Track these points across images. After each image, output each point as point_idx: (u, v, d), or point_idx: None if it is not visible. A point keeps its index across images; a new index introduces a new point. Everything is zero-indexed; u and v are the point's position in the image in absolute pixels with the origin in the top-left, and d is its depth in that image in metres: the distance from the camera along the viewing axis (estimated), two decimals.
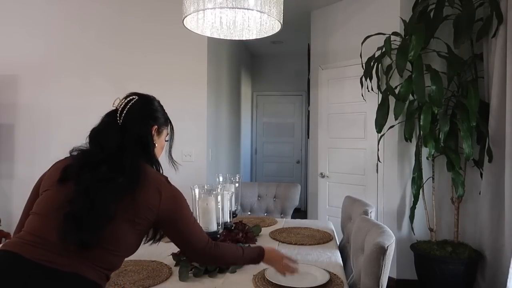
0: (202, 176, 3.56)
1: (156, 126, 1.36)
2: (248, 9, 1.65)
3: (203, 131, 3.58)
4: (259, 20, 1.88)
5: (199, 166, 3.56)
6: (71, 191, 1.12)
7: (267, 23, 1.90)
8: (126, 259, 1.57)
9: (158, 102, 1.46)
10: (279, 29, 1.89)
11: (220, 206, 1.73)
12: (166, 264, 1.66)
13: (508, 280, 2.47)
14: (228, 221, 1.97)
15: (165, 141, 1.46)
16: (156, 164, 1.34)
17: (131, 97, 1.32)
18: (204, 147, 3.58)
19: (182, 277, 1.51)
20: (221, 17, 1.86)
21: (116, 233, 1.13)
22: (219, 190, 1.74)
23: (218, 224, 1.69)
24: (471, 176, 3.14)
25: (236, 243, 1.82)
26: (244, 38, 2.04)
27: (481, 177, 2.98)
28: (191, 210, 1.34)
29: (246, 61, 6.20)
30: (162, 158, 1.43)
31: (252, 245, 1.54)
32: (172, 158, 1.47)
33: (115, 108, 1.29)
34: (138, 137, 1.27)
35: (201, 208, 1.68)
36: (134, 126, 1.27)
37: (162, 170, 1.35)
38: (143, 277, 1.51)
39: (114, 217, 1.11)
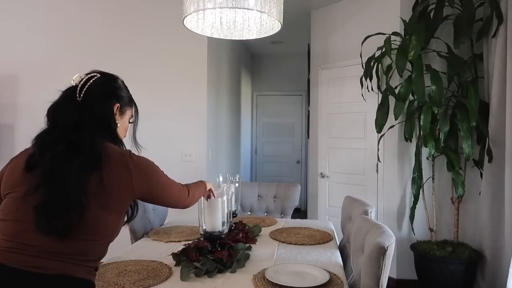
0: (202, 176, 3.55)
1: (118, 105, 1.28)
2: (248, 9, 1.65)
3: (203, 131, 3.58)
4: (259, 20, 1.88)
5: (199, 166, 3.56)
6: (37, 178, 1.07)
7: (267, 23, 1.90)
8: (125, 259, 1.57)
9: (122, 81, 1.36)
10: (279, 29, 1.89)
11: (226, 206, 1.73)
12: (166, 264, 1.66)
13: (508, 280, 2.47)
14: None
15: (129, 122, 1.40)
16: (120, 144, 1.27)
17: (92, 74, 1.25)
18: (204, 147, 3.58)
19: (184, 277, 1.51)
20: (221, 17, 1.86)
21: (92, 221, 1.08)
22: (224, 190, 1.73)
23: (223, 223, 1.69)
24: (471, 176, 3.14)
25: (236, 243, 1.82)
26: (244, 38, 2.04)
27: (481, 177, 2.98)
28: (165, 175, 1.31)
29: (246, 61, 6.20)
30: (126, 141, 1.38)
31: (196, 182, 1.71)
32: (136, 141, 1.41)
33: (74, 84, 1.22)
34: (99, 115, 1.20)
35: (207, 207, 1.67)
36: (94, 104, 1.20)
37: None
38: (143, 277, 1.51)
39: (85, 203, 1.05)
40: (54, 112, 1.20)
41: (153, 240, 2.09)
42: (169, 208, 2.67)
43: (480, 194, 2.99)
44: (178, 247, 1.81)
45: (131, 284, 1.44)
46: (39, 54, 3.67)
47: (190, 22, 1.87)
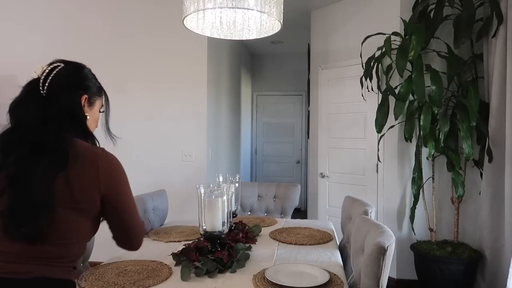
0: (202, 176, 3.56)
1: (86, 96, 1.19)
2: (248, 9, 1.65)
3: (203, 131, 3.58)
4: (259, 20, 1.88)
5: (199, 166, 3.56)
6: (1, 182, 0.99)
7: (267, 23, 1.90)
8: (125, 259, 1.57)
9: (89, 70, 1.28)
10: (279, 29, 1.89)
11: (226, 205, 1.73)
12: (166, 264, 1.66)
13: (508, 280, 2.47)
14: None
15: (100, 112, 1.30)
16: (91, 138, 1.19)
17: (56, 64, 1.16)
18: (204, 147, 3.58)
19: (184, 277, 1.51)
20: (221, 17, 1.86)
21: (63, 225, 1.02)
22: (224, 190, 1.73)
23: (223, 223, 1.69)
24: (471, 176, 3.14)
25: (236, 243, 1.82)
26: (244, 38, 2.04)
27: (481, 177, 2.98)
28: (131, 192, 1.18)
29: (246, 61, 6.20)
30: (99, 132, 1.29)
31: None
32: (109, 131, 1.31)
33: (37, 77, 1.13)
34: (65, 109, 1.11)
35: (207, 207, 1.67)
36: (59, 97, 1.10)
37: (98, 143, 1.21)
38: (143, 277, 1.51)
39: (53, 207, 0.99)
40: (17, 109, 1.10)
41: (153, 240, 2.09)
42: (169, 208, 2.68)
43: (480, 194, 2.99)
44: (178, 247, 1.81)
45: (131, 284, 1.44)
46: (39, 54, 3.66)
47: (190, 22, 1.87)
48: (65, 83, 1.14)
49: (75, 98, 1.16)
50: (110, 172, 1.09)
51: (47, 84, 1.11)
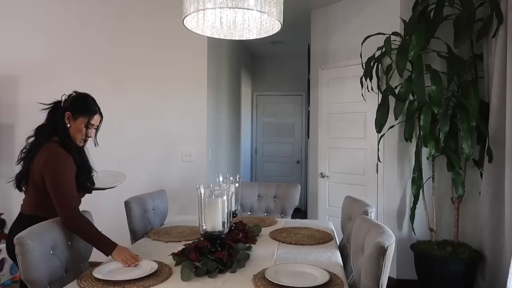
0: (202, 176, 3.56)
1: (69, 113, 1.84)
2: (248, 9, 1.65)
3: (203, 131, 3.58)
4: (259, 20, 1.88)
5: (199, 166, 3.56)
6: None
7: (267, 23, 1.90)
8: None
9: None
10: (279, 29, 1.89)
11: (226, 205, 1.73)
12: (166, 264, 1.66)
13: (508, 280, 2.46)
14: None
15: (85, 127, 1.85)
16: (67, 141, 1.82)
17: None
18: (204, 147, 3.58)
19: (184, 277, 1.51)
20: (221, 17, 1.86)
21: (33, 188, 1.79)
22: (224, 190, 1.73)
23: (223, 223, 1.69)
24: (471, 176, 3.14)
25: (236, 243, 1.82)
26: (244, 38, 2.04)
27: (481, 177, 2.98)
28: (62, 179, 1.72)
29: (246, 61, 6.20)
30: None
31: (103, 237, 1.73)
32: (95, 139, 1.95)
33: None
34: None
35: (207, 207, 1.67)
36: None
37: (71, 144, 1.82)
38: (143, 277, 1.51)
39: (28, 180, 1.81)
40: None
41: (153, 240, 2.09)
42: (169, 208, 2.68)
43: (480, 194, 2.99)
44: (178, 247, 1.81)
45: (131, 284, 1.44)
46: (39, 54, 3.67)
47: (190, 22, 1.87)
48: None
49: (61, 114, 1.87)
50: (46, 166, 1.72)
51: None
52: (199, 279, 1.52)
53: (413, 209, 3.12)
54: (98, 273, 1.51)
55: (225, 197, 1.71)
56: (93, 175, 1.95)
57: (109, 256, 1.67)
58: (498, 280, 2.75)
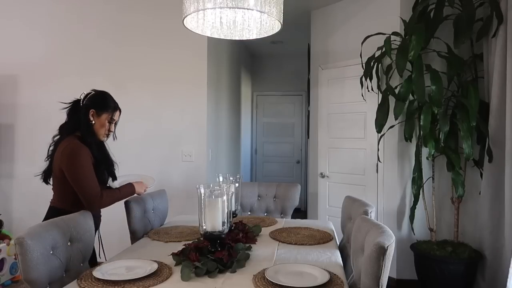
0: (202, 176, 3.56)
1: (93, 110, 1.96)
2: (248, 9, 1.65)
3: (203, 131, 3.58)
4: (259, 20, 1.88)
5: (199, 166, 3.56)
6: None
7: (267, 23, 1.90)
8: (125, 259, 1.57)
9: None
10: (279, 29, 1.89)
11: (226, 205, 1.73)
12: (166, 264, 1.66)
13: (508, 280, 2.47)
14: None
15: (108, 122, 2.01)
16: (88, 136, 1.94)
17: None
18: (204, 147, 3.58)
19: (184, 277, 1.51)
20: (221, 17, 1.86)
21: (55, 180, 1.94)
22: (224, 190, 1.73)
23: (223, 223, 1.69)
24: (471, 176, 3.14)
25: (236, 243, 1.82)
26: (244, 38, 2.04)
27: (481, 177, 2.98)
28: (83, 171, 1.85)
29: (246, 61, 6.20)
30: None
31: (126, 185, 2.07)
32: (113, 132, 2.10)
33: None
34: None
35: (207, 207, 1.67)
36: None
37: (91, 138, 1.95)
38: (143, 277, 1.51)
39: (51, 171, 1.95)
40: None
41: (153, 240, 2.09)
42: (169, 208, 2.68)
43: (480, 194, 2.99)
44: (178, 247, 1.81)
45: (131, 284, 1.44)
46: (39, 54, 3.67)
47: (190, 22, 1.87)
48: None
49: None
50: (65, 159, 1.85)
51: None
52: (199, 279, 1.52)
53: (413, 209, 3.12)
54: (98, 273, 1.51)
55: (225, 197, 1.71)
56: (114, 169, 2.11)
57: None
58: (498, 280, 2.76)
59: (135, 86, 3.58)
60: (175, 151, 3.58)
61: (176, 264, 1.65)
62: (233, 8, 1.70)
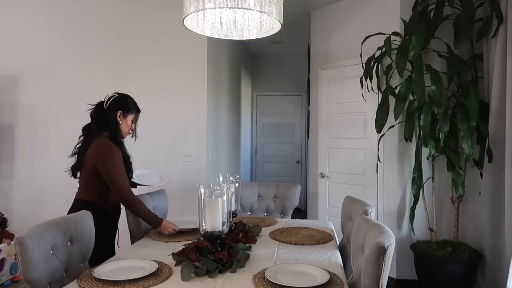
0: (202, 176, 3.56)
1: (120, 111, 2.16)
2: (248, 9, 1.65)
3: (203, 131, 3.58)
4: (259, 20, 1.88)
5: (199, 166, 3.56)
6: None
7: (267, 23, 1.90)
8: (126, 259, 1.57)
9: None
10: (279, 29, 1.89)
11: (226, 205, 1.73)
12: (166, 264, 1.66)
13: (508, 280, 2.47)
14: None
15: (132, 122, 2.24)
16: (117, 135, 2.16)
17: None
18: (204, 147, 3.58)
19: (184, 277, 1.51)
20: (221, 17, 1.86)
21: (85, 175, 2.09)
22: (224, 190, 1.73)
23: (223, 223, 1.69)
24: (471, 176, 3.14)
25: (236, 243, 1.82)
26: (244, 38, 2.04)
27: (481, 177, 2.98)
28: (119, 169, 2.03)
29: (246, 61, 6.20)
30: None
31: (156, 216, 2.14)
32: (135, 132, 2.33)
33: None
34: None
35: (207, 207, 1.67)
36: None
37: (120, 138, 2.17)
38: (143, 277, 1.51)
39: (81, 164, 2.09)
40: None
41: (153, 240, 2.09)
42: (169, 208, 2.68)
43: (480, 194, 2.99)
44: (178, 247, 1.81)
45: (131, 284, 1.44)
46: (39, 54, 3.67)
47: (190, 22, 1.87)
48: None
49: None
50: (98, 157, 2.03)
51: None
52: (199, 279, 1.52)
53: (413, 209, 3.12)
54: (98, 273, 1.51)
55: (225, 197, 1.71)
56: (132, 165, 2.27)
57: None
58: (498, 280, 2.76)
59: (135, 86, 3.57)
60: (175, 151, 3.58)
61: (176, 264, 1.65)
62: (233, 8, 1.70)
